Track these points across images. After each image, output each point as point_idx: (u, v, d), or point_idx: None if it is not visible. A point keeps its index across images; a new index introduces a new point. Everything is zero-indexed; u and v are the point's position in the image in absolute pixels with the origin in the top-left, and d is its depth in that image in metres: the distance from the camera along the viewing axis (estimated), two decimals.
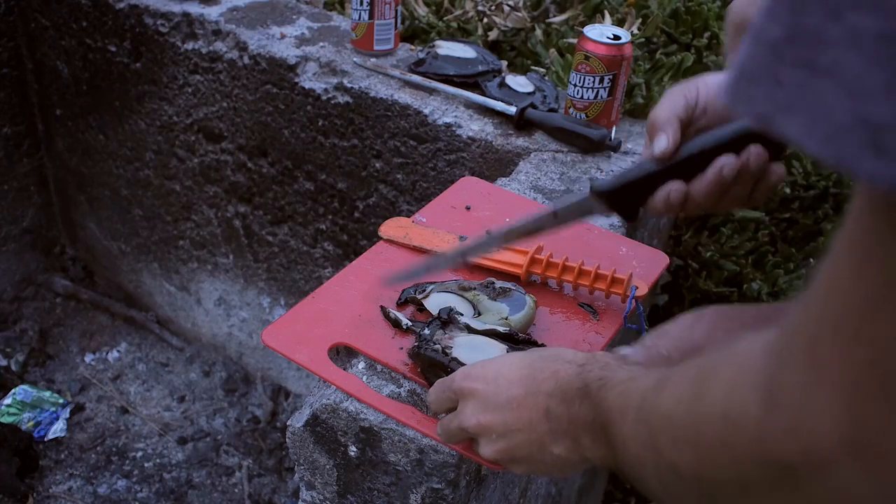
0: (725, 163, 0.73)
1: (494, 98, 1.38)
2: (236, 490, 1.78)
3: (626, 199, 0.79)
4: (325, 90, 1.50)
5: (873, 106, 0.32)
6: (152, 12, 1.68)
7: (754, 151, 0.74)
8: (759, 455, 0.40)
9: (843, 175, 1.58)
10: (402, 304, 0.94)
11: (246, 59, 1.58)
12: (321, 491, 0.89)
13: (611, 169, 1.25)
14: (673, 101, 0.80)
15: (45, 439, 1.81)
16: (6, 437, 1.71)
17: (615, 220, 1.13)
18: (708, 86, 0.81)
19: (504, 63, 1.49)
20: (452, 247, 0.97)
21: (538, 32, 1.68)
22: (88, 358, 2.07)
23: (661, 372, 0.54)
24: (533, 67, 1.58)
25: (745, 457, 0.41)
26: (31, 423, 1.81)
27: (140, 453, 1.84)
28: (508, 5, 1.67)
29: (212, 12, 1.64)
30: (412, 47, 1.58)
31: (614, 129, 1.31)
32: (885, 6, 0.31)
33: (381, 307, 0.92)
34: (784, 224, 1.59)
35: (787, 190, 1.56)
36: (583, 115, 1.29)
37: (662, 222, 1.33)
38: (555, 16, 1.71)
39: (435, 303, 0.92)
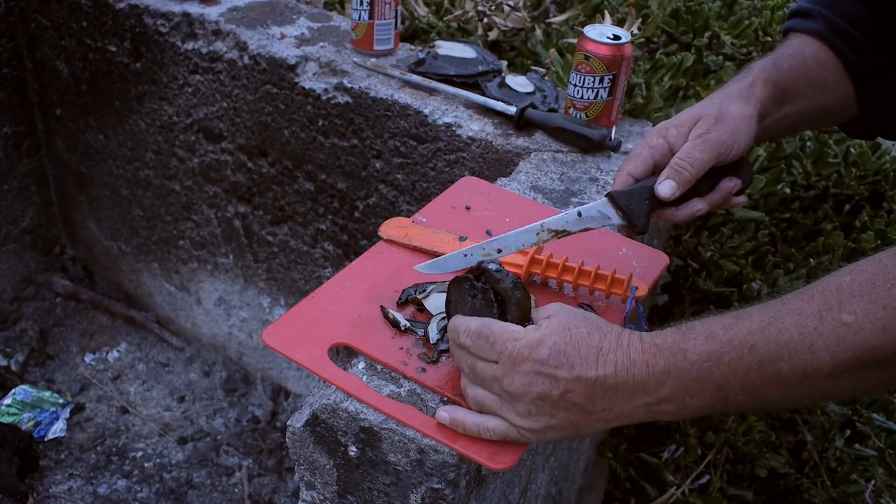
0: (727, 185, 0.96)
1: (494, 98, 1.38)
2: (236, 490, 1.78)
3: (637, 207, 0.92)
4: (325, 90, 1.50)
5: None
6: (152, 12, 1.68)
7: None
8: None
9: (842, 175, 1.58)
10: (402, 305, 0.94)
11: (246, 59, 1.58)
12: (321, 491, 0.89)
13: (611, 169, 1.25)
14: (705, 159, 0.92)
15: (45, 439, 1.81)
16: (6, 437, 1.71)
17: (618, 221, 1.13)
18: (739, 141, 0.94)
19: (504, 63, 1.49)
20: (475, 245, 0.98)
21: (538, 32, 1.68)
22: (88, 358, 2.07)
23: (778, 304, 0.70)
24: (533, 67, 1.58)
25: None
26: (31, 423, 1.81)
27: (140, 453, 1.84)
28: (508, 5, 1.67)
29: (212, 12, 1.64)
30: (412, 47, 1.58)
31: (614, 129, 1.31)
32: None
33: (381, 307, 0.92)
34: (784, 224, 1.59)
35: (787, 190, 1.56)
36: (583, 115, 1.29)
37: (662, 222, 1.33)
38: (555, 16, 1.71)
39: (435, 303, 0.92)
